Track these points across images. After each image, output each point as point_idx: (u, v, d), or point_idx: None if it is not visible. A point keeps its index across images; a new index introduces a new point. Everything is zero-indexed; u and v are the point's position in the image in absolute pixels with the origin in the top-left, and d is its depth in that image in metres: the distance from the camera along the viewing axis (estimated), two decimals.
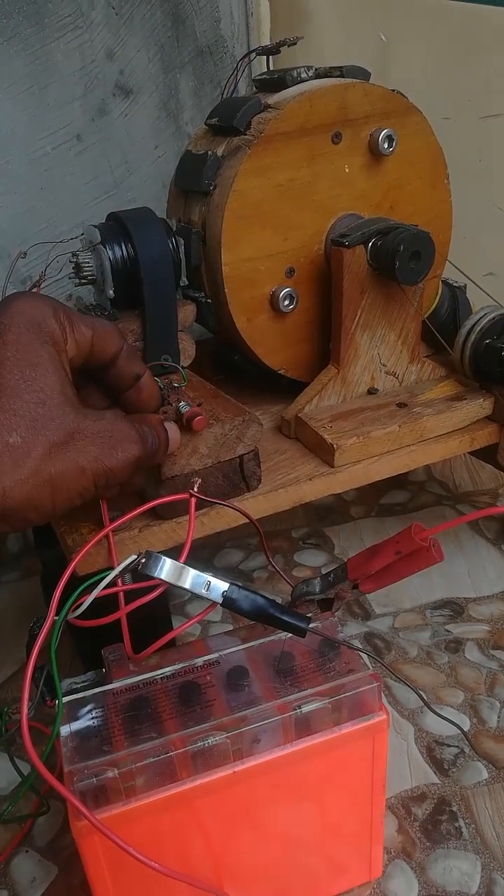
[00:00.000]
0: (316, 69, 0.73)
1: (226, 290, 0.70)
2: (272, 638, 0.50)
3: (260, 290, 0.72)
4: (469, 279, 0.81)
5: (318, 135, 0.70)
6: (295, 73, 0.71)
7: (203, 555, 0.92)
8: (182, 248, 0.68)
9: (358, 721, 0.46)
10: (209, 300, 0.73)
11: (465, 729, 0.65)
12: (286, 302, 0.72)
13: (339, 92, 0.69)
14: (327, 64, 0.74)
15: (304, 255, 0.73)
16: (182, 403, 0.58)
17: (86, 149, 0.92)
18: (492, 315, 0.72)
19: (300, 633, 0.47)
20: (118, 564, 0.47)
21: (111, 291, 0.66)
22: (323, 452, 0.68)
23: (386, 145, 0.72)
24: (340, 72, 0.73)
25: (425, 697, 0.68)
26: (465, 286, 0.85)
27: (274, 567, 0.59)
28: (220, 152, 0.71)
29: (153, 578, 0.46)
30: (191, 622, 0.50)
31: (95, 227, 0.66)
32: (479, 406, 0.73)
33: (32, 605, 0.86)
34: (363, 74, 0.74)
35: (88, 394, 0.54)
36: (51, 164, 0.89)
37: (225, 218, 0.68)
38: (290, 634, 0.48)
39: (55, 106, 0.88)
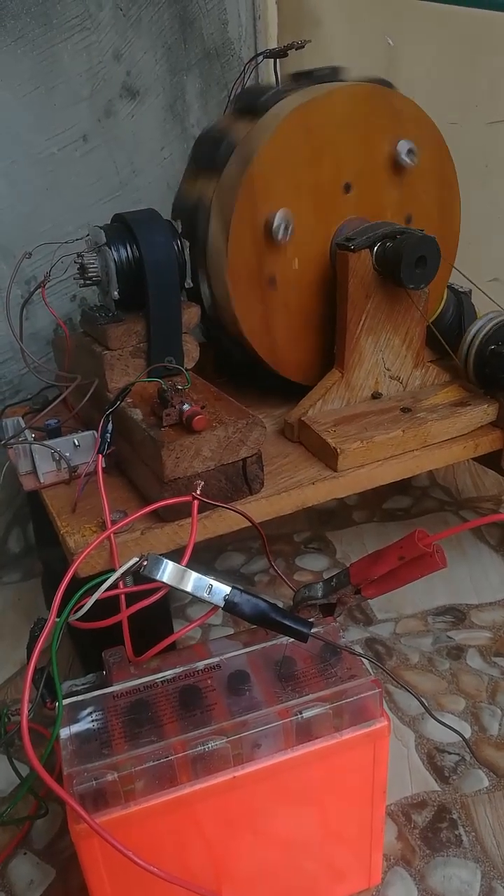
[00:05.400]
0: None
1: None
2: (274, 642, 0.50)
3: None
4: (474, 284, 0.80)
5: None
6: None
7: (205, 557, 0.92)
8: (187, 250, 0.68)
9: (359, 727, 0.45)
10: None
11: (466, 736, 0.65)
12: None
13: None
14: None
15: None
16: (185, 405, 0.58)
17: (92, 150, 0.92)
18: (496, 320, 0.72)
19: (302, 637, 0.47)
20: (120, 567, 0.47)
21: (116, 293, 0.66)
22: (326, 456, 0.68)
23: None
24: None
25: (426, 704, 0.68)
26: (470, 291, 0.85)
27: (276, 571, 0.59)
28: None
29: (155, 581, 0.46)
30: (192, 625, 0.50)
31: (101, 228, 0.66)
32: (483, 412, 0.73)
33: (33, 607, 0.86)
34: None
35: None
36: (56, 164, 0.89)
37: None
38: (292, 639, 0.48)
39: (62, 107, 0.88)
